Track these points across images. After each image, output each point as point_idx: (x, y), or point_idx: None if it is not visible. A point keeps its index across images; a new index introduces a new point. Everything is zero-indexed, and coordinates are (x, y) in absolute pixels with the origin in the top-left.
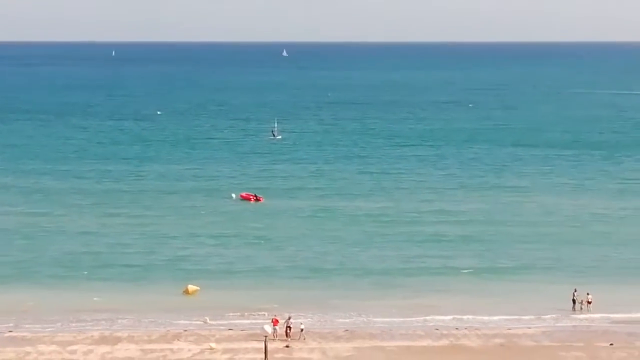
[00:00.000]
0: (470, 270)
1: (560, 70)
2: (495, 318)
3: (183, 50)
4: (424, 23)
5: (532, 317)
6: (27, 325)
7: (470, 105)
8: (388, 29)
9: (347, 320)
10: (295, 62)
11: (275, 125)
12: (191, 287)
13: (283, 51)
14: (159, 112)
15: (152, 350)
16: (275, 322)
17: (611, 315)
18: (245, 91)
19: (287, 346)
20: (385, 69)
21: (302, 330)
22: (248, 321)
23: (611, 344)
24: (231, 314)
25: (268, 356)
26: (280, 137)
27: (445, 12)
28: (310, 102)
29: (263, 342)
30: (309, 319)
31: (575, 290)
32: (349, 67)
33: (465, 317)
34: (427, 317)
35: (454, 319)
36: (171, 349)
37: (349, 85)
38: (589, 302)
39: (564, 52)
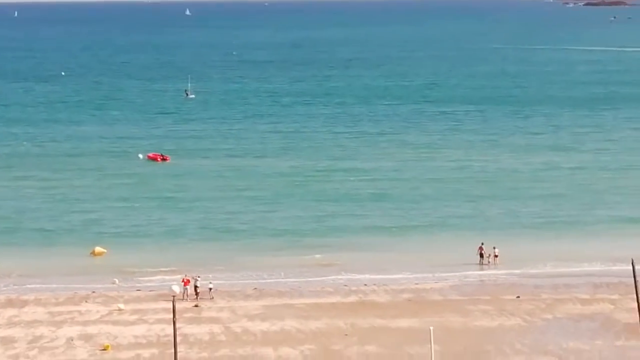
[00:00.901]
0: (380, 227)
1: (465, 26)
2: (404, 274)
3: (86, 10)
4: None
5: (441, 272)
6: None
7: (376, 63)
8: None
9: (257, 280)
10: (199, 21)
11: (189, 85)
12: (98, 249)
13: (186, 10)
14: (63, 73)
15: (60, 313)
16: (186, 282)
17: (517, 269)
18: (149, 51)
19: (196, 306)
20: (291, 27)
21: (210, 289)
22: (157, 282)
23: (518, 297)
24: (140, 275)
25: (177, 316)
26: (193, 96)
27: None
28: (216, 62)
29: (171, 302)
30: (218, 279)
31: (482, 245)
32: (254, 25)
33: (374, 274)
34: (337, 275)
35: (363, 276)
36: (79, 311)
37: (254, 43)
38: (495, 256)
39: (467, 8)
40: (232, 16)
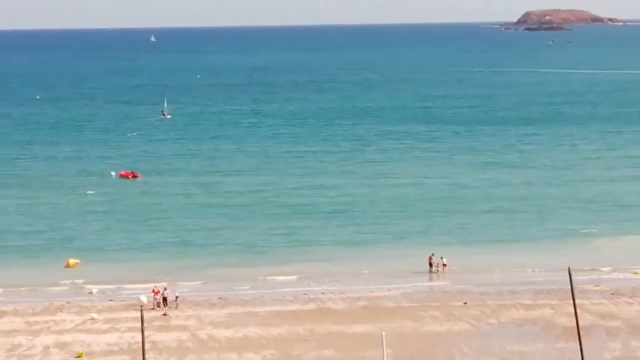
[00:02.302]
0: (338, 240)
1: (415, 52)
2: (360, 283)
3: (49, 38)
4: (296, 6)
5: (393, 281)
6: None
7: (337, 84)
8: (260, 13)
9: (221, 289)
10: (164, 47)
11: (165, 105)
12: (72, 261)
13: (151, 36)
14: (38, 97)
15: (37, 322)
16: (156, 292)
17: (465, 277)
18: (119, 75)
19: (164, 314)
20: (251, 52)
21: (176, 298)
22: (128, 293)
23: (465, 303)
24: (112, 285)
25: (147, 324)
26: (169, 116)
27: None
28: (182, 85)
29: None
30: (185, 289)
31: (432, 255)
32: (216, 51)
33: (331, 283)
34: (297, 284)
35: (321, 284)
36: (55, 320)
37: (216, 67)
38: (444, 265)
39: (415, 34)
40: (195, 42)
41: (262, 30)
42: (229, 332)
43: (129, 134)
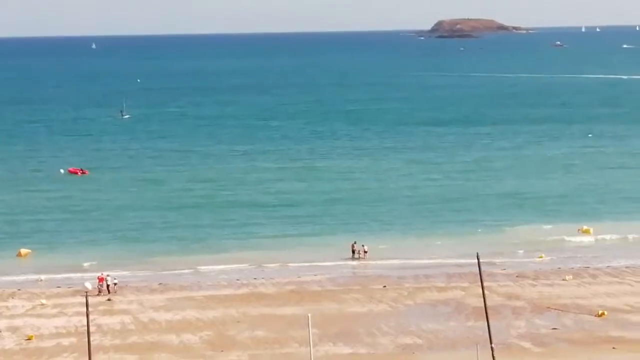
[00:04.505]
0: (262, 233)
1: (337, 59)
2: (289, 269)
3: None
4: (235, 14)
5: (319, 266)
6: None
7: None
8: (204, 20)
9: (162, 277)
10: (104, 53)
11: (124, 106)
12: (24, 251)
13: (92, 44)
14: None
15: None
16: (100, 279)
17: (385, 263)
18: (69, 80)
19: (109, 299)
20: (187, 58)
21: (115, 284)
22: (75, 280)
23: (384, 286)
24: (59, 275)
25: (92, 308)
26: (128, 116)
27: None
28: (126, 89)
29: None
30: (128, 276)
31: (355, 243)
32: (154, 57)
33: (263, 269)
34: (231, 271)
35: (253, 271)
36: (7, 306)
37: (155, 73)
38: (365, 252)
39: (332, 41)
40: (134, 49)
41: (204, 38)
42: (169, 315)
43: (84, 134)
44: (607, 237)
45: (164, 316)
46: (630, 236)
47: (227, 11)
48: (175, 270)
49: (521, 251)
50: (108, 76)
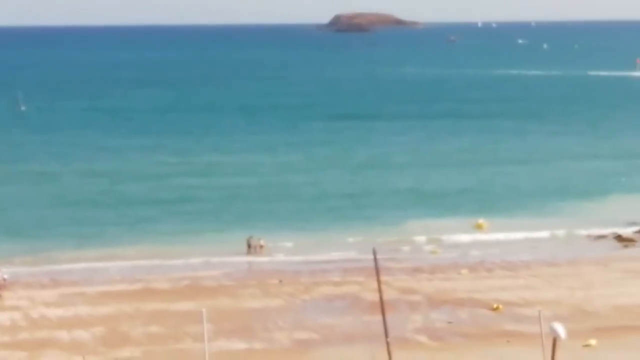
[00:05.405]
0: (156, 227)
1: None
2: (185, 264)
3: None
4: (132, 4)
5: (214, 261)
6: None
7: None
8: (102, 12)
9: (53, 272)
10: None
11: (20, 98)
12: None
13: None
14: None
15: None
16: None
17: (281, 257)
18: None
19: None
20: (93, 49)
21: (5, 279)
22: None
23: (280, 281)
24: None
25: None
26: (24, 108)
27: None
28: (21, 80)
29: None
30: (19, 272)
31: (251, 237)
32: (57, 48)
33: (157, 265)
34: (125, 267)
35: (148, 267)
36: None
37: (56, 64)
38: (261, 247)
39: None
40: (35, 39)
41: (117, 29)
42: (60, 311)
43: None
44: (503, 231)
45: (55, 312)
46: (524, 231)
47: (120, 2)
48: (67, 265)
49: (418, 246)
50: (3, 67)
